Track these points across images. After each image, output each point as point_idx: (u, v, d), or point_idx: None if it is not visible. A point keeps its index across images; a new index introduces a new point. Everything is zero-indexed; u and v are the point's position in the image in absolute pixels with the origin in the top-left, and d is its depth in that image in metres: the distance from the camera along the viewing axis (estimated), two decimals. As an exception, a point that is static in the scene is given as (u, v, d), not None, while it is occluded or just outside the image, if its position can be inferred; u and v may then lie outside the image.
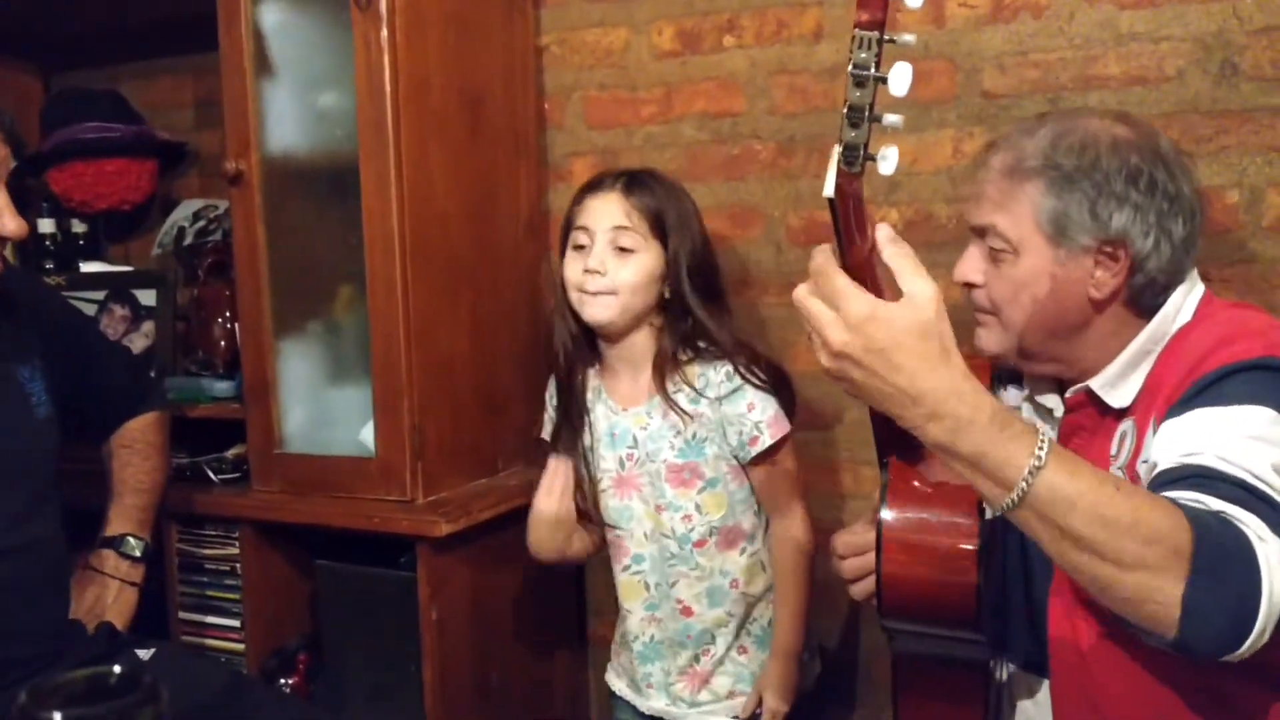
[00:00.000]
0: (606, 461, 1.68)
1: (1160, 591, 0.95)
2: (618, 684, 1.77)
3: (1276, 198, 1.58)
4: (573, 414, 1.69)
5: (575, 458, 1.68)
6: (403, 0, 1.70)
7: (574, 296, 1.63)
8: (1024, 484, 0.95)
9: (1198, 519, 0.97)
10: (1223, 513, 1.00)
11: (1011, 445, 0.95)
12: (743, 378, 1.60)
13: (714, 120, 1.93)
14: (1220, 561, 0.95)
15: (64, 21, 2.32)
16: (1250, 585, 0.96)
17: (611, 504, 1.68)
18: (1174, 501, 1.00)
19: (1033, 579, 1.36)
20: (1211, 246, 1.60)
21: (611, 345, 1.67)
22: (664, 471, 1.63)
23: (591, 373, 1.71)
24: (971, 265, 1.35)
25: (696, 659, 1.67)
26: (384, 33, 1.69)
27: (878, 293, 0.97)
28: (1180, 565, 0.94)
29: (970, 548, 1.14)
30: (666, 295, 1.62)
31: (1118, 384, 1.28)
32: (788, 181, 1.89)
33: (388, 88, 1.70)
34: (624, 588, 1.69)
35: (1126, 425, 1.26)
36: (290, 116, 1.85)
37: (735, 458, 1.63)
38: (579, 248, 1.63)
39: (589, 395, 1.70)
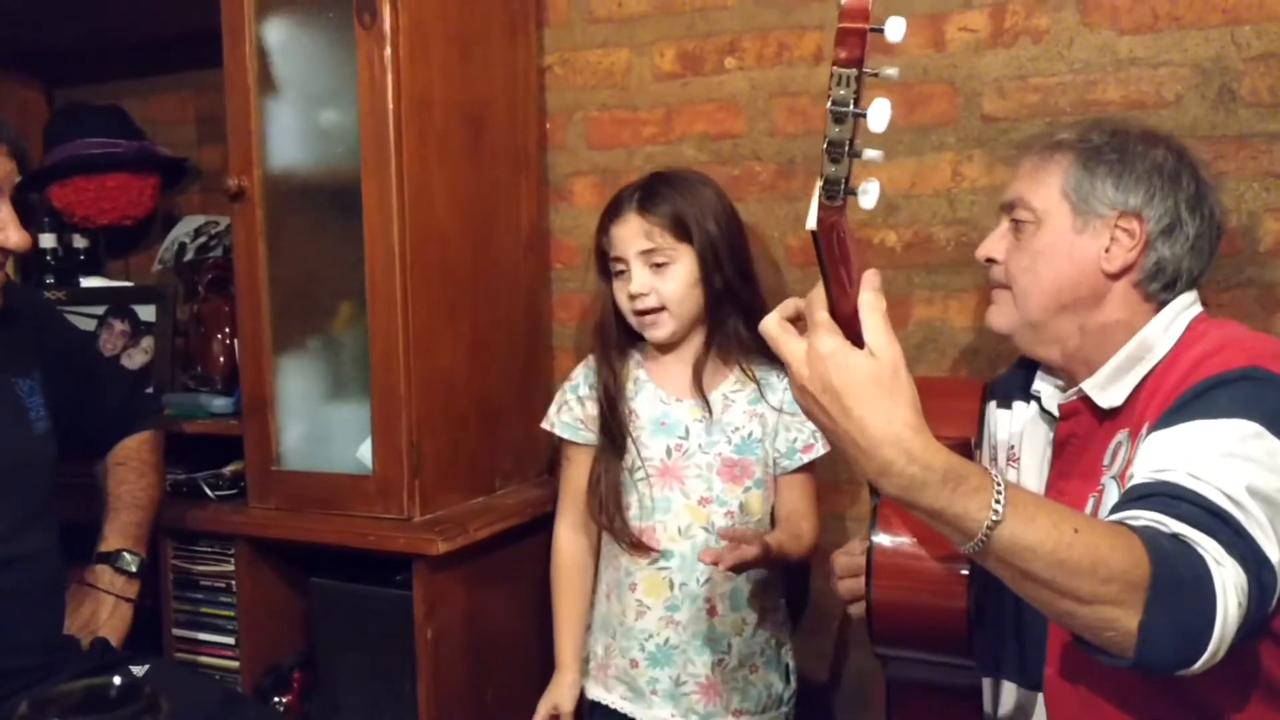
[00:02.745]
0: (649, 450, 1.68)
1: (1117, 622, 0.98)
2: (608, 696, 1.72)
3: (1274, 223, 1.59)
4: (614, 424, 1.70)
5: (616, 466, 1.69)
6: (406, 19, 1.71)
7: (634, 322, 1.68)
8: (982, 537, 0.97)
9: (1155, 547, 0.99)
10: (1180, 535, 1.01)
11: (966, 502, 0.96)
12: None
13: (714, 141, 1.94)
14: (1175, 589, 0.98)
15: (68, 37, 2.33)
16: (1204, 610, 0.98)
17: (655, 494, 1.67)
18: (1132, 527, 1.02)
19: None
20: (1208, 272, 1.61)
21: (665, 353, 1.71)
22: (718, 464, 1.65)
23: (633, 364, 1.73)
24: (995, 242, 1.40)
25: (713, 667, 1.65)
26: (387, 51, 1.70)
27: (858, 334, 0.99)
28: (1137, 597, 0.97)
29: (962, 573, 1.14)
30: (717, 288, 1.66)
31: (1108, 386, 1.30)
32: (787, 203, 1.89)
33: (390, 105, 1.70)
34: (647, 583, 1.67)
35: (1121, 436, 1.27)
36: (293, 133, 1.85)
37: (777, 465, 1.65)
38: (619, 273, 1.68)
39: (631, 386, 1.72)
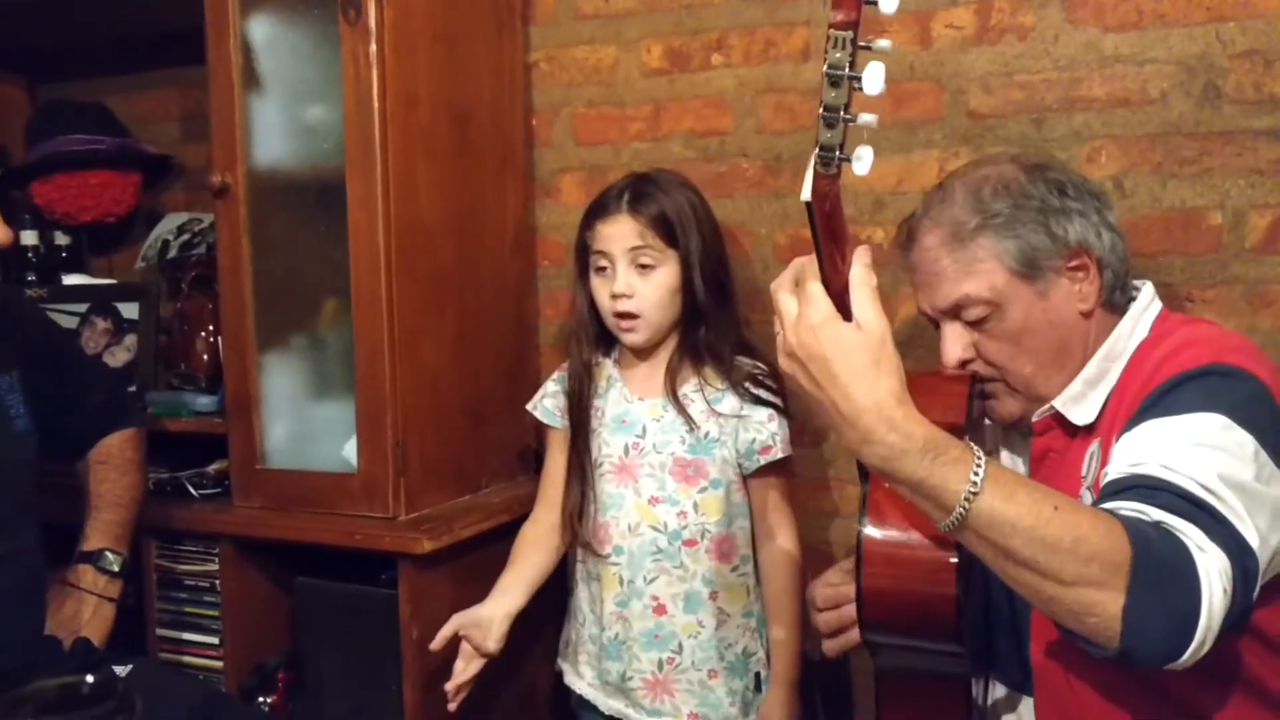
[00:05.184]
0: (610, 447, 1.69)
1: (1100, 606, 0.97)
2: (579, 684, 1.74)
3: (1259, 219, 1.59)
4: (578, 418, 1.72)
5: (583, 463, 1.71)
6: (392, 15, 1.70)
7: (611, 323, 1.68)
8: (961, 509, 0.97)
9: (1138, 532, 0.99)
10: (1163, 523, 1.01)
11: (946, 472, 0.98)
12: (754, 400, 1.63)
13: (701, 138, 1.93)
14: (1160, 575, 0.97)
15: (51, 33, 2.31)
16: (1190, 597, 0.97)
17: (608, 490, 1.68)
18: (1115, 514, 1.01)
19: (1015, 594, 1.36)
20: (1194, 268, 1.61)
21: (639, 357, 1.72)
22: (670, 464, 1.65)
23: (609, 363, 1.75)
24: (955, 345, 1.35)
25: (660, 665, 1.65)
26: (372, 47, 1.69)
27: (848, 309, 1.00)
28: (1119, 580, 0.96)
29: (951, 560, 1.14)
30: (695, 298, 1.66)
31: (1079, 401, 1.30)
32: (774, 200, 1.89)
33: (375, 102, 1.69)
34: (604, 577, 1.69)
35: (1094, 447, 1.27)
36: (277, 130, 1.84)
37: (740, 466, 1.64)
38: (601, 270, 1.68)
39: (602, 384, 1.73)
